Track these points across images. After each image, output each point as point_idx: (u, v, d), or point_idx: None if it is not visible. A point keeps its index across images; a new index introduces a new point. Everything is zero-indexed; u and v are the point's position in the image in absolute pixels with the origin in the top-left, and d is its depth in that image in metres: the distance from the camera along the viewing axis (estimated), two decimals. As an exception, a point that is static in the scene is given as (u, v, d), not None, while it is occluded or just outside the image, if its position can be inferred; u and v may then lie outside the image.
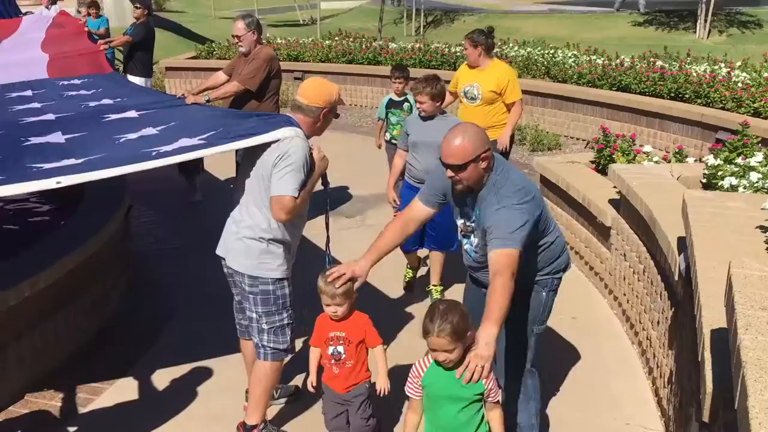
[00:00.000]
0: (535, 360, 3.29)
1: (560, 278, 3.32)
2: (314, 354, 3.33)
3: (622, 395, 4.00)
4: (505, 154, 5.70)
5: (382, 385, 3.20)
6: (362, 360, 3.28)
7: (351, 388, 3.27)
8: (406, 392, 2.73)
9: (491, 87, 5.65)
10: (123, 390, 4.11)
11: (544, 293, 3.25)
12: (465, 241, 3.23)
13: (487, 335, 2.57)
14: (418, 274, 5.33)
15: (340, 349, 3.21)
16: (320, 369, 3.35)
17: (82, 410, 3.92)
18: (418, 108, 4.68)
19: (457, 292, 4.35)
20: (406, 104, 6.24)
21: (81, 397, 4.03)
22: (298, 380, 4.02)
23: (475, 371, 2.50)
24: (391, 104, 6.33)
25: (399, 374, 3.16)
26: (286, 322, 3.41)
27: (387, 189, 5.05)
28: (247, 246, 3.30)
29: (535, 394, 3.28)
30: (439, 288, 5.03)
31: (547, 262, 3.22)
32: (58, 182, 2.94)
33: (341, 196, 7.35)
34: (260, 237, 3.28)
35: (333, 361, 3.25)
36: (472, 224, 3.11)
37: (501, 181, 2.98)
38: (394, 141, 6.12)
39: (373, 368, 3.31)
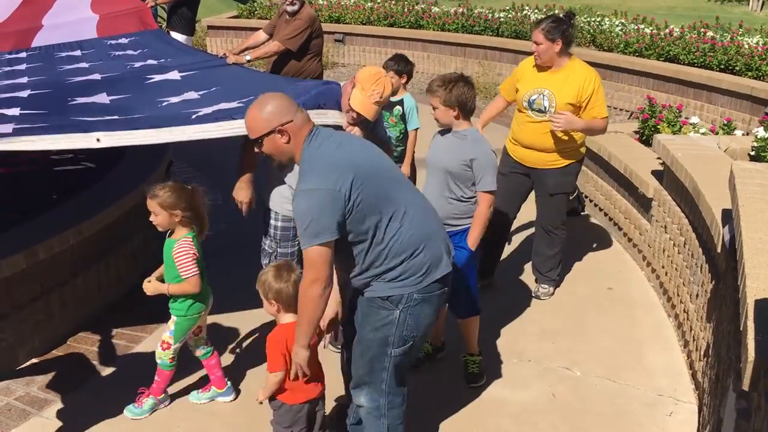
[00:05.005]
0: (394, 384, 2.85)
1: (419, 294, 2.69)
2: None
3: (655, 367, 3.97)
4: None
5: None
6: None
7: None
8: None
9: (569, 97, 4.18)
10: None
11: (397, 312, 2.70)
12: None
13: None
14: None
15: None
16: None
17: (121, 357, 4.04)
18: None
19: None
20: (396, 108, 4.84)
21: (120, 344, 4.15)
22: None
23: None
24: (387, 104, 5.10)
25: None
26: (266, 248, 3.96)
27: None
28: None
29: (388, 412, 2.90)
30: (477, 359, 3.73)
31: (373, 265, 2.66)
32: (98, 139, 2.95)
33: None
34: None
35: None
36: None
37: (309, 159, 2.62)
38: None
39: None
